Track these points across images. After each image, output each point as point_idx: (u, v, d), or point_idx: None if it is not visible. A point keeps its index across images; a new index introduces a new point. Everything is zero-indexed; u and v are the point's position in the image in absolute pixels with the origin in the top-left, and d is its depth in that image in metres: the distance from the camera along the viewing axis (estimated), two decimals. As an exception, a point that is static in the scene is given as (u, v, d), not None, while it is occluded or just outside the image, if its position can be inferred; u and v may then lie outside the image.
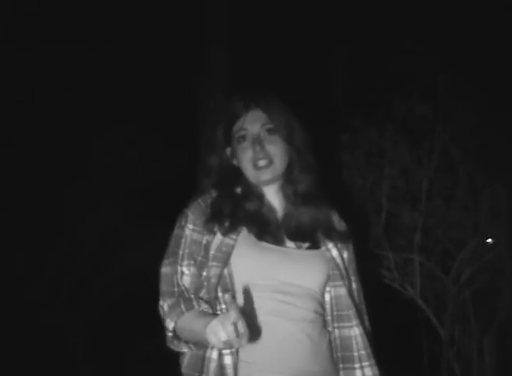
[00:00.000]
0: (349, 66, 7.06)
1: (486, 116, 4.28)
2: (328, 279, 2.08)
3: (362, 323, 2.09)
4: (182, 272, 2.01)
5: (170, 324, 1.96)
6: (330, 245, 2.11)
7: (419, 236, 4.22)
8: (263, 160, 2.06)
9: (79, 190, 7.15)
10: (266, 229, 2.04)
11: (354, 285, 2.15)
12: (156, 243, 2.29)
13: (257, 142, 2.06)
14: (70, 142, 6.83)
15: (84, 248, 7.41)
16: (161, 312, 2.00)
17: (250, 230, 2.03)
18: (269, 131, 2.08)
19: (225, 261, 1.98)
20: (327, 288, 2.09)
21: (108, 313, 7.50)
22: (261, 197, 2.11)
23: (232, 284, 1.98)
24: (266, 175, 2.07)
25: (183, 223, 2.05)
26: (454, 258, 4.27)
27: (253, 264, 2.00)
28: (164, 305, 1.99)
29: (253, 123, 2.08)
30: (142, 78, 6.75)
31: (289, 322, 1.99)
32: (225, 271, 1.98)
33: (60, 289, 7.52)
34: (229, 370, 1.91)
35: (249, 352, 1.94)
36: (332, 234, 2.12)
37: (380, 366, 2.13)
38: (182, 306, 1.94)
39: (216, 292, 1.97)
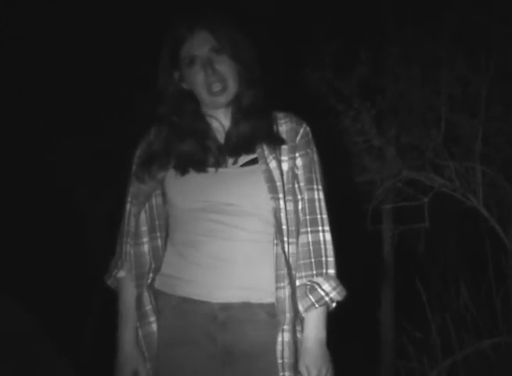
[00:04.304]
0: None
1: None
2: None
3: (296, 237, 1.99)
4: (130, 212, 2.11)
5: (110, 275, 2.14)
6: (270, 158, 2.01)
7: (480, 145, 4.16)
8: (216, 83, 2.01)
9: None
10: (197, 162, 2.03)
11: (306, 195, 2.03)
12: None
13: (208, 65, 2.01)
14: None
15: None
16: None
17: (177, 168, 2.04)
18: (217, 51, 2.02)
19: (147, 196, 2.06)
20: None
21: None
22: (204, 128, 2.09)
23: (165, 213, 2.07)
24: (222, 100, 2.03)
25: (132, 161, 2.11)
26: (516, 165, 4.23)
27: (181, 191, 2.01)
28: (117, 245, 2.14)
29: (200, 46, 2.03)
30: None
31: (223, 241, 1.98)
32: (154, 202, 2.06)
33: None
34: (145, 294, 2.03)
35: (180, 269, 2.01)
36: (273, 143, 2.03)
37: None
38: (124, 264, 2.11)
39: (139, 227, 2.07)
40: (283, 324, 1.92)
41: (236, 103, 2.06)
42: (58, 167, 6.82)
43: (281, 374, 1.90)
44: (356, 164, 4.51)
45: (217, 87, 2.01)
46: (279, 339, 1.91)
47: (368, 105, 4.35)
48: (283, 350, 1.91)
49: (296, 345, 1.94)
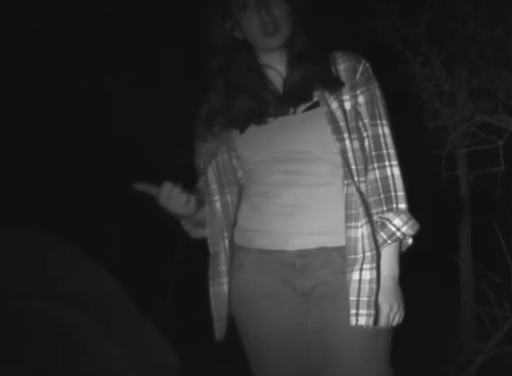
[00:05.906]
0: None
1: None
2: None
3: (365, 174, 1.98)
4: (200, 175, 2.18)
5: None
6: (331, 99, 1.99)
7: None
8: (271, 23, 1.99)
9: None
10: (256, 117, 2.03)
11: (371, 131, 2.01)
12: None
13: (263, 5, 1.98)
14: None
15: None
16: None
17: (237, 125, 2.05)
18: None
19: (212, 154, 2.09)
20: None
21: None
22: (259, 81, 2.08)
23: (233, 168, 2.10)
24: (275, 41, 2.02)
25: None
26: None
27: (249, 145, 2.03)
28: None
29: None
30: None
31: (296, 189, 1.98)
32: (220, 159, 2.10)
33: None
34: (222, 254, 2.07)
35: (256, 221, 2.04)
36: (331, 85, 2.01)
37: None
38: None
39: (209, 186, 2.10)
40: (362, 263, 1.90)
41: (290, 48, 2.05)
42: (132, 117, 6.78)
43: (353, 311, 1.89)
44: (427, 110, 4.45)
45: (271, 28, 1.99)
46: (355, 278, 1.90)
47: (437, 49, 4.28)
48: (359, 289, 1.89)
49: (378, 284, 1.92)
